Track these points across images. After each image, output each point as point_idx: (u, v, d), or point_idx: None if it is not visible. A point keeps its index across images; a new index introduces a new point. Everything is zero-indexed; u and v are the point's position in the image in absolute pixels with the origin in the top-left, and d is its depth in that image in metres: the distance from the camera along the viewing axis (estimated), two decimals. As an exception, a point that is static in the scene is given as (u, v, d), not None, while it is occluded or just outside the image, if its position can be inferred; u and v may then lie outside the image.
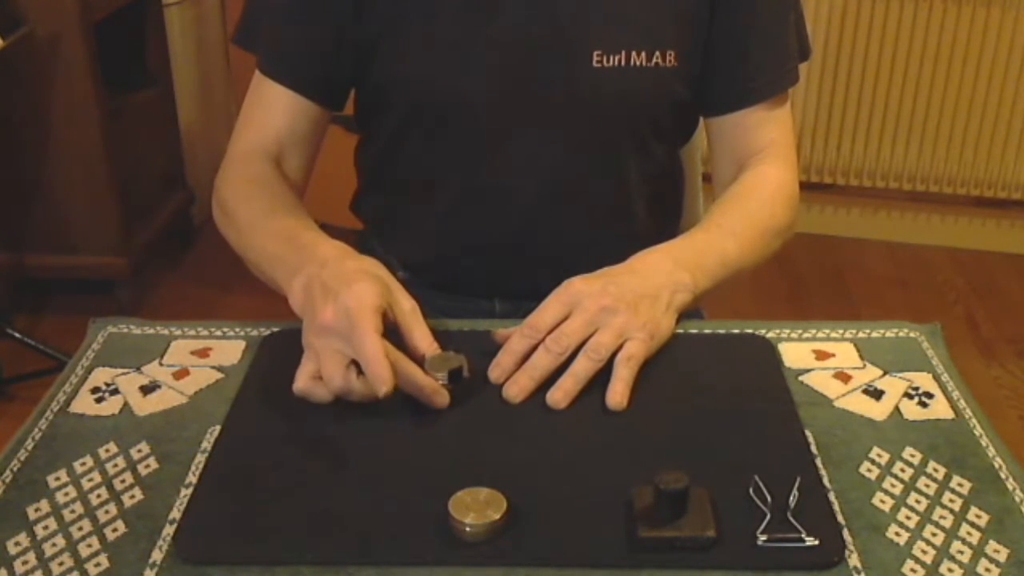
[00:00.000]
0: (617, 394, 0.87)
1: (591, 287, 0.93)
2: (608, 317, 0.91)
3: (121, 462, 0.82)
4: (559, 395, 0.87)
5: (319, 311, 0.87)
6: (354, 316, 0.84)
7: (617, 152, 1.14)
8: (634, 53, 1.07)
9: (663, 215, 1.26)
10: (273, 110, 1.13)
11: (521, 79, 1.08)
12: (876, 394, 0.90)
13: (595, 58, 1.07)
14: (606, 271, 0.96)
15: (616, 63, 1.07)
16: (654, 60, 1.08)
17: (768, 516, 0.75)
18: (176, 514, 0.77)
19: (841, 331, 0.99)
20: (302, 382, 0.86)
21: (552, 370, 0.89)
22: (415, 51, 1.09)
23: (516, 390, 0.88)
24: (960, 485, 0.79)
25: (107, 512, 0.77)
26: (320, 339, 0.86)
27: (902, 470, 0.81)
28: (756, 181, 1.12)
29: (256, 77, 1.14)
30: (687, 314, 1.00)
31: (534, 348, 0.90)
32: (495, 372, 0.90)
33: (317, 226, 1.04)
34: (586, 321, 0.90)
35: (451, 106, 1.11)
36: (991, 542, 0.74)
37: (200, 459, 0.82)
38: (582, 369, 0.88)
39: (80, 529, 0.75)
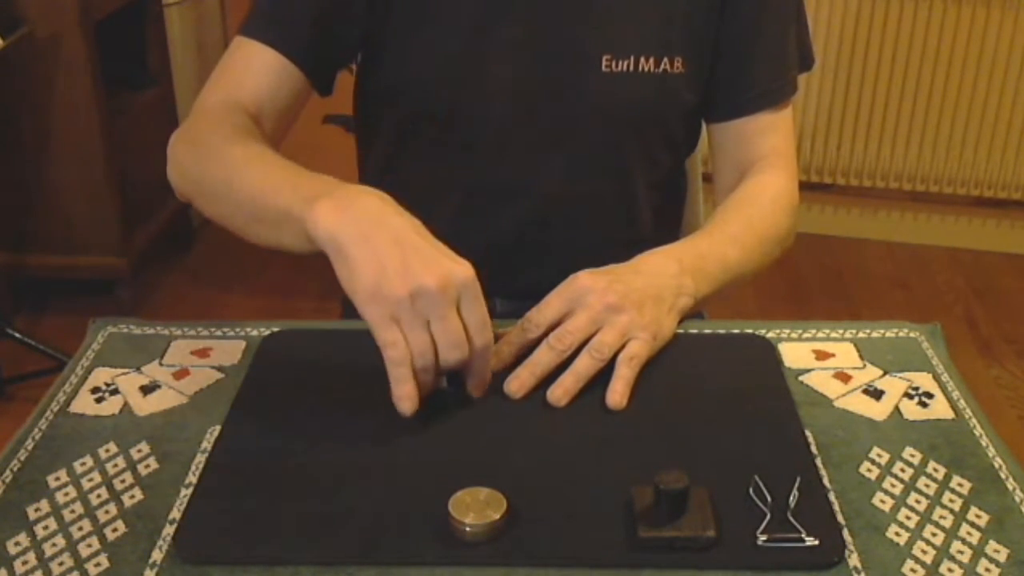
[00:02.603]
0: (617, 394, 0.87)
1: (596, 283, 0.93)
2: (612, 315, 0.91)
3: (121, 462, 0.82)
4: (560, 392, 0.87)
5: (414, 270, 0.78)
6: (475, 289, 0.79)
7: (622, 156, 1.14)
8: (643, 59, 1.07)
9: (666, 219, 1.26)
10: (254, 71, 1.05)
11: (530, 82, 1.08)
12: (876, 394, 0.90)
13: (604, 62, 1.07)
14: (611, 268, 0.96)
15: (625, 68, 1.07)
16: (662, 66, 1.08)
17: (768, 516, 0.75)
18: (176, 514, 0.77)
19: (841, 331, 0.99)
20: (410, 396, 0.79)
21: (554, 367, 0.89)
22: (425, 54, 1.09)
23: (517, 385, 0.88)
24: (960, 485, 0.79)
25: (107, 512, 0.77)
26: (416, 304, 0.77)
27: (902, 470, 0.81)
28: (758, 189, 1.12)
29: (235, 43, 1.06)
30: (688, 315, 1.00)
31: (533, 341, 0.90)
32: (492, 361, 0.90)
33: None
34: (590, 319, 0.90)
35: (459, 109, 1.11)
36: (991, 542, 0.74)
37: (200, 459, 0.82)
38: (584, 367, 0.88)
39: (80, 529, 0.75)
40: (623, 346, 0.90)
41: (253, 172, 0.91)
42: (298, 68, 1.06)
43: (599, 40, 1.07)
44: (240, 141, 0.96)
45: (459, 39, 1.08)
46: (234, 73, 1.05)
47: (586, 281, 0.93)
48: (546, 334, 0.91)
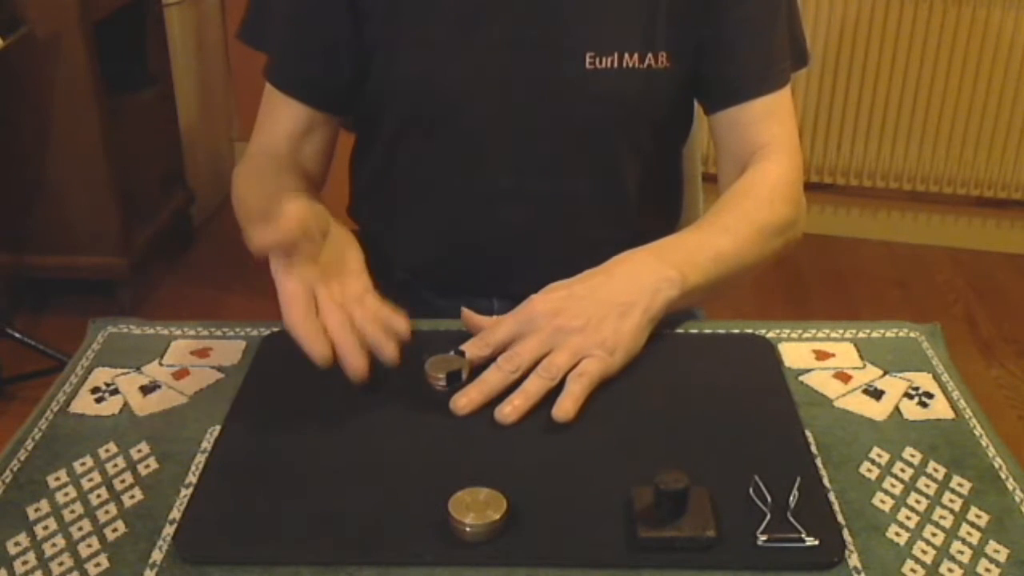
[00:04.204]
0: (561, 409, 0.85)
1: (549, 306, 0.92)
2: (563, 337, 0.90)
3: (121, 462, 0.82)
4: (508, 410, 0.86)
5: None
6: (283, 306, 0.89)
7: (612, 153, 1.14)
8: (627, 55, 1.07)
9: (661, 215, 1.26)
10: (280, 115, 1.15)
11: (516, 80, 1.09)
12: (876, 394, 0.90)
13: (588, 60, 1.07)
14: (580, 278, 0.96)
15: (609, 65, 1.07)
16: (647, 62, 1.08)
17: (768, 516, 0.75)
18: (176, 514, 0.77)
19: (841, 331, 0.99)
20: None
21: (503, 387, 0.88)
22: (411, 55, 1.09)
23: (464, 402, 0.87)
24: (960, 485, 0.79)
25: (107, 512, 0.77)
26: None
27: (902, 470, 0.81)
28: (756, 178, 1.11)
29: (267, 89, 1.16)
30: (687, 314, 0.99)
31: (484, 360, 0.90)
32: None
33: (299, 192, 1.04)
34: (540, 341, 0.90)
35: (447, 108, 1.11)
36: (991, 542, 0.74)
37: (200, 459, 0.82)
38: (533, 387, 0.88)
39: (80, 529, 0.75)
40: (577, 364, 0.89)
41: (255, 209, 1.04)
42: (318, 110, 1.14)
43: (582, 38, 1.07)
44: (257, 186, 1.07)
45: (442, 42, 1.08)
46: (267, 122, 1.16)
47: (538, 305, 0.93)
48: (496, 354, 0.91)
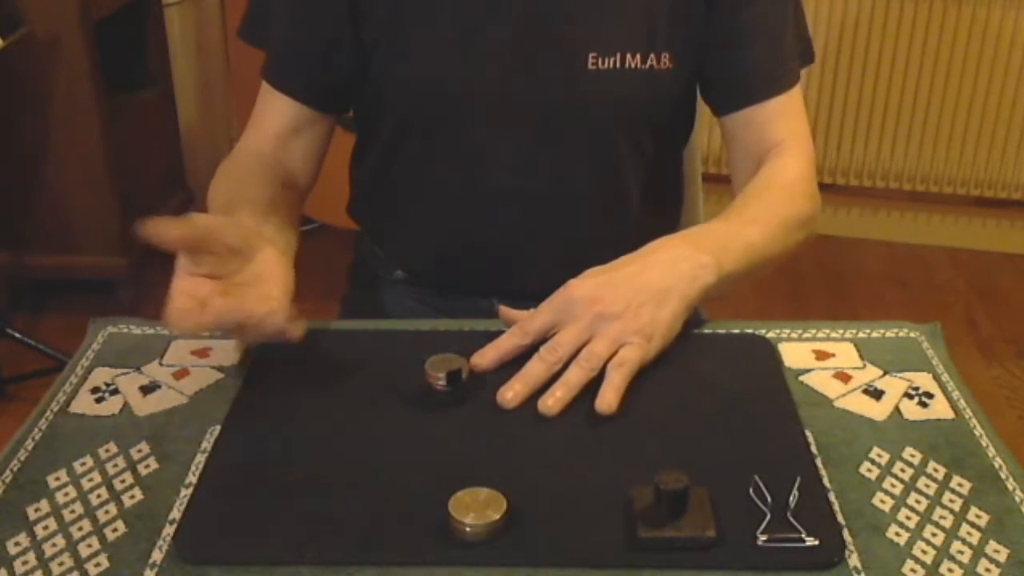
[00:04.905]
0: (604, 401, 0.86)
1: (587, 292, 0.92)
2: (602, 324, 0.90)
3: (121, 462, 0.82)
4: (551, 402, 0.86)
5: None
6: None
7: (614, 153, 1.14)
8: (629, 55, 1.07)
9: (662, 215, 1.26)
10: (271, 112, 1.14)
11: (518, 80, 1.09)
12: (876, 394, 0.90)
13: (590, 60, 1.07)
14: (617, 264, 0.95)
15: (611, 65, 1.07)
16: (649, 62, 1.08)
17: (768, 516, 0.75)
18: (176, 514, 0.77)
19: (841, 331, 0.99)
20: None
21: (546, 379, 0.89)
22: (412, 53, 1.09)
23: (511, 395, 0.87)
24: (960, 485, 0.79)
25: (107, 512, 0.77)
26: None
27: (902, 470, 0.81)
28: (774, 173, 1.11)
29: (263, 87, 1.16)
30: (714, 294, 0.98)
31: (521, 348, 0.91)
32: (475, 358, 0.91)
33: (257, 204, 1.02)
34: (580, 330, 0.90)
35: (449, 107, 1.11)
36: (991, 542, 0.74)
37: (200, 459, 0.82)
38: (574, 378, 0.88)
39: (80, 529, 0.75)
40: (616, 353, 0.90)
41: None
42: (313, 108, 1.14)
43: (584, 38, 1.07)
44: (228, 184, 1.08)
45: (445, 42, 1.08)
46: (260, 118, 1.15)
47: (576, 291, 0.92)
48: (536, 342, 0.91)
